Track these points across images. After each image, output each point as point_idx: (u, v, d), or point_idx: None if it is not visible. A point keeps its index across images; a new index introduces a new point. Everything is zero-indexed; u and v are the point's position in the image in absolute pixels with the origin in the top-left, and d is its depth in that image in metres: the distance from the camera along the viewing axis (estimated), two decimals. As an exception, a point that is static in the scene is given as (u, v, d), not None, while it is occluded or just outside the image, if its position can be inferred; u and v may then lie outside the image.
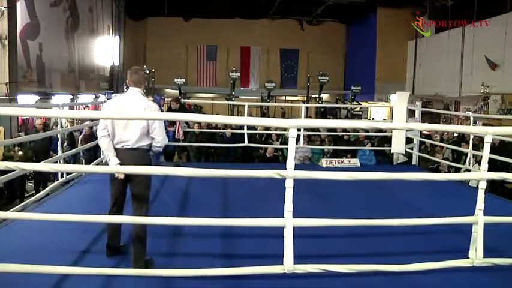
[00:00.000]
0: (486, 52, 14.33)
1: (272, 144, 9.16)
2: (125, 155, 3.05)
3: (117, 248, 3.24)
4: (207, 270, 2.89)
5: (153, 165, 3.17)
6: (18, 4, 10.64)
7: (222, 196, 5.29)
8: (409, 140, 8.08)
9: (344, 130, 8.98)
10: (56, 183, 5.53)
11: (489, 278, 3.08)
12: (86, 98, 15.82)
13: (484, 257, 2.97)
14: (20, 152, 7.89)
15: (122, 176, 3.03)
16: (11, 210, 4.23)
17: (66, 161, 6.85)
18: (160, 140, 3.10)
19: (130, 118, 3.04)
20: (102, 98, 13.47)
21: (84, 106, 13.87)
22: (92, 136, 9.18)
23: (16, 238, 3.55)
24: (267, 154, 8.62)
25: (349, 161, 7.70)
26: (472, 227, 3.03)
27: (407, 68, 20.32)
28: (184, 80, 17.14)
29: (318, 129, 9.10)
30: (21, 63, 10.94)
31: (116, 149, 3.09)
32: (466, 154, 7.27)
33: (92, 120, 7.92)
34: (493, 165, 5.80)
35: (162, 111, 7.04)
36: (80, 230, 3.52)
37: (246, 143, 7.91)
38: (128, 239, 3.21)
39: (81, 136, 9.86)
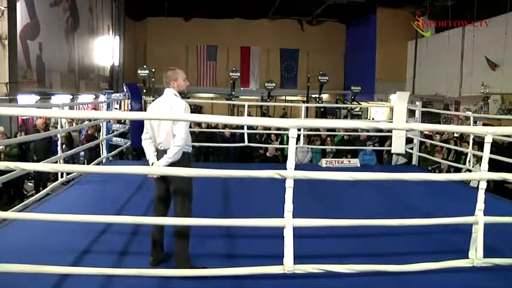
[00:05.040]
0: (486, 52, 14.33)
1: (271, 144, 9.15)
2: (162, 156, 3.08)
3: (162, 255, 3.21)
4: (207, 270, 2.89)
5: (192, 166, 3.11)
6: (18, 4, 10.64)
7: (222, 196, 5.29)
8: (409, 140, 8.08)
9: (344, 130, 8.97)
10: (56, 183, 5.52)
11: (489, 278, 3.08)
12: (86, 98, 15.83)
13: (484, 257, 2.97)
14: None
15: (153, 176, 3.11)
16: (11, 210, 4.23)
17: (65, 161, 6.85)
18: (177, 139, 3.00)
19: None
20: (102, 98, 13.48)
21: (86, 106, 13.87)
22: (93, 136, 9.21)
23: (16, 238, 3.55)
24: (267, 154, 8.62)
25: (349, 161, 7.70)
26: (472, 227, 3.03)
27: (407, 68, 20.32)
28: (184, 79, 17.09)
29: (318, 129, 9.10)
30: (21, 63, 10.94)
31: (157, 150, 3.19)
32: (466, 154, 7.27)
33: (90, 120, 7.93)
34: (500, 166, 5.81)
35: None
36: (80, 230, 3.52)
37: (246, 143, 7.92)
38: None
39: (83, 136, 9.89)
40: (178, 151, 3.04)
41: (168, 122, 3.08)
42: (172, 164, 3.02)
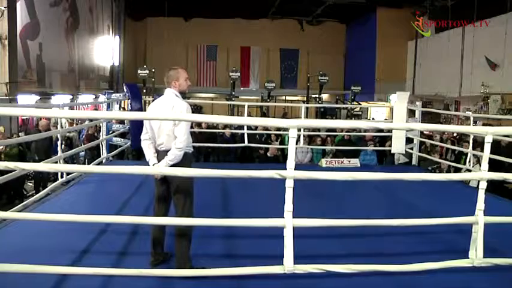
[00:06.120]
0: (486, 52, 14.32)
1: (271, 144, 9.16)
2: (162, 157, 3.07)
3: (162, 255, 3.21)
4: (207, 270, 2.89)
5: (192, 166, 3.10)
6: (18, 4, 10.64)
7: (222, 196, 5.29)
8: (409, 140, 8.08)
9: (345, 130, 8.97)
10: (56, 183, 5.52)
11: (489, 278, 3.08)
12: (86, 98, 15.83)
13: (484, 257, 2.97)
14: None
15: (157, 176, 3.10)
16: (11, 210, 4.23)
17: (65, 161, 6.85)
18: (179, 141, 2.98)
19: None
20: (102, 98, 13.48)
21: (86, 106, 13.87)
22: (94, 135, 9.21)
23: (16, 238, 3.55)
24: (268, 154, 8.63)
25: (349, 161, 7.69)
26: (472, 227, 3.02)
27: (407, 68, 20.32)
28: (184, 79, 17.11)
29: (318, 129, 9.10)
30: (21, 63, 10.94)
31: (157, 151, 3.16)
32: (466, 154, 7.27)
33: (91, 120, 7.93)
34: (500, 166, 5.80)
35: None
36: (80, 230, 3.52)
37: (246, 143, 7.92)
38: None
39: (83, 136, 9.89)
40: (180, 154, 3.02)
41: (169, 123, 3.05)
42: (173, 165, 3.01)
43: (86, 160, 9.73)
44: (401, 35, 19.61)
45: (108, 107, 8.36)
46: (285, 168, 2.71)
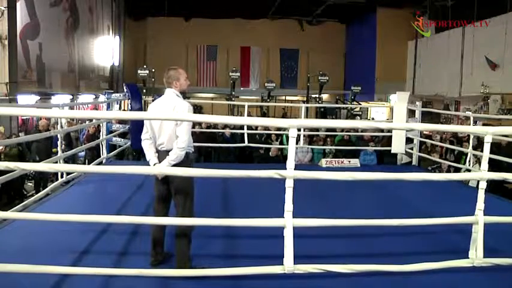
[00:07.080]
0: (486, 52, 14.32)
1: (272, 144, 9.16)
2: (163, 157, 3.07)
3: (162, 255, 3.20)
4: (207, 270, 2.89)
5: (192, 166, 3.10)
6: (18, 4, 10.65)
7: (222, 196, 5.29)
8: (409, 140, 8.08)
9: (345, 130, 8.98)
10: (56, 183, 5.52)
11: (489, 278, 3.08)
12: (86, 98, 15.83)
13: (484, 257, 2.97)
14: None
15: (159, 176, 3.10)
16: (11, 210, 4.23)
17: (65, 161, 6.85)
18: (180, 141, 2.98)
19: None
20: (102, 98, 13.48)
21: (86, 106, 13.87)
22: (95, 135, 9.21)
23: (16, 238, 3.55)
24: (270, 154, 8.64)
25: (349, 161, 7.70)
26: (472, 227, 3.03)
27: (407, 68, 20.32)
28: (184, 79, 17.10)
29: (318, 129, 9.09)
30: (21, 63, 10.95)
31: (157, 151, 3.15)
32: (466, 154, 7.27)
33: (91, 120, 7.92)
34: (499, 166, 5.80)
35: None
36: (80, 230, 3.52)
37: (246, 143, 7.92)
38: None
39: (84, 135, 9.89)
40: (182, 153, 3.02)
41: (171, 123, 3.05)
42: (174, 165, 3.00)
43: (86, 160, 9.74)
44: (401, 35, 19.61)
45: (108, 107, 8.36)
46: (285, 168, 2.72)
